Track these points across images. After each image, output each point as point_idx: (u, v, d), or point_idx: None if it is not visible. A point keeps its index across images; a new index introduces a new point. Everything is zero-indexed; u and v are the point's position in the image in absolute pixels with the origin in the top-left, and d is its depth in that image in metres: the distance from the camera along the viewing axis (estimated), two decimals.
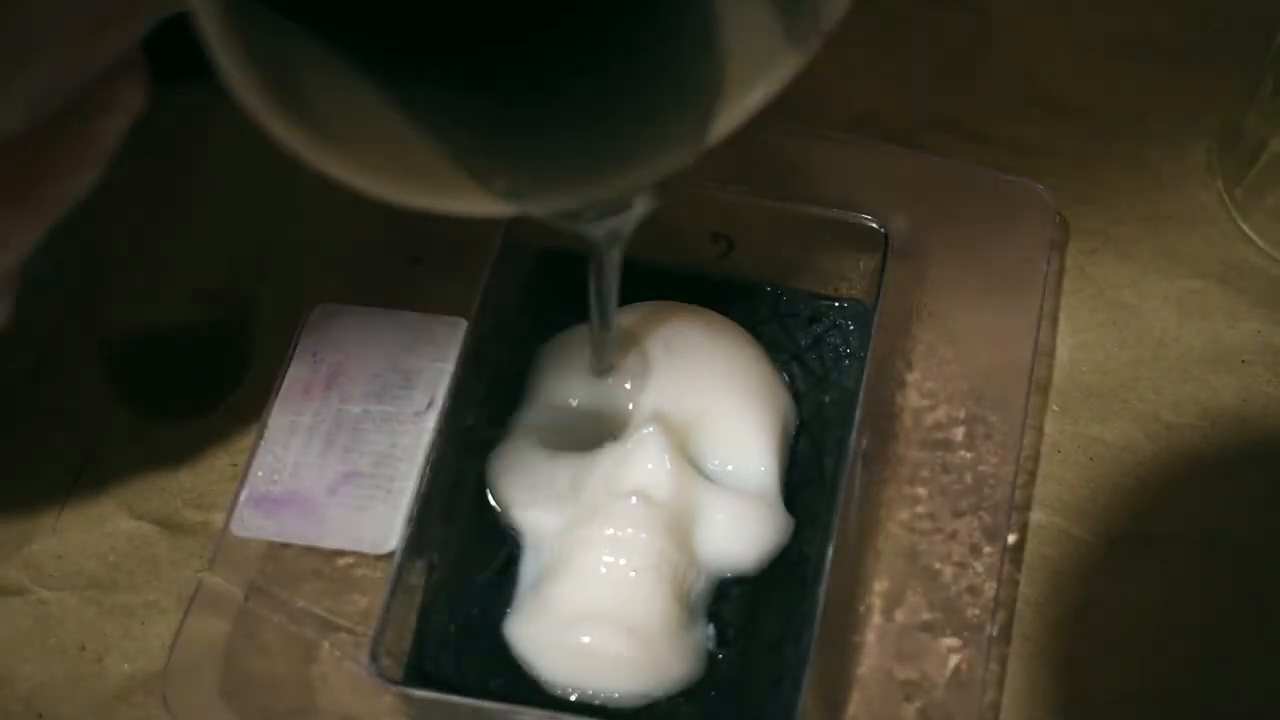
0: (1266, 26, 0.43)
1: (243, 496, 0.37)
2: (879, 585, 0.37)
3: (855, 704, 0.36)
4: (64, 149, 0.26)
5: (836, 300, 0.42)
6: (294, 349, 0.40)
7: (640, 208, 0.32)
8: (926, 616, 0.36)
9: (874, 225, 0.41)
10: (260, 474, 0.38)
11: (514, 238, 0.42)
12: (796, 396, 0.40)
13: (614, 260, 0.34)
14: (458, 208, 0.27)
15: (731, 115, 0.27)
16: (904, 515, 0.38)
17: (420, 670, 0.36)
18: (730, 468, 0.38)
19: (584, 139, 0.29)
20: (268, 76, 0.23)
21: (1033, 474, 0.40)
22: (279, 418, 0.39)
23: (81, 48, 0.24)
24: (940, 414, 0.40)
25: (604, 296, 0.35)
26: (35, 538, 0.39)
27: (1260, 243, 0.44)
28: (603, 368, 0.39)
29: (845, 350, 0.41)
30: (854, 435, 0.38)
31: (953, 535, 0.38)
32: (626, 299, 0.37)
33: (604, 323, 0.36)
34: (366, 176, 0.25)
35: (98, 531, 0.39)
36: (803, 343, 0.41)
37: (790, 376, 0.41)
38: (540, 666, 0.36)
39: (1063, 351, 0.42)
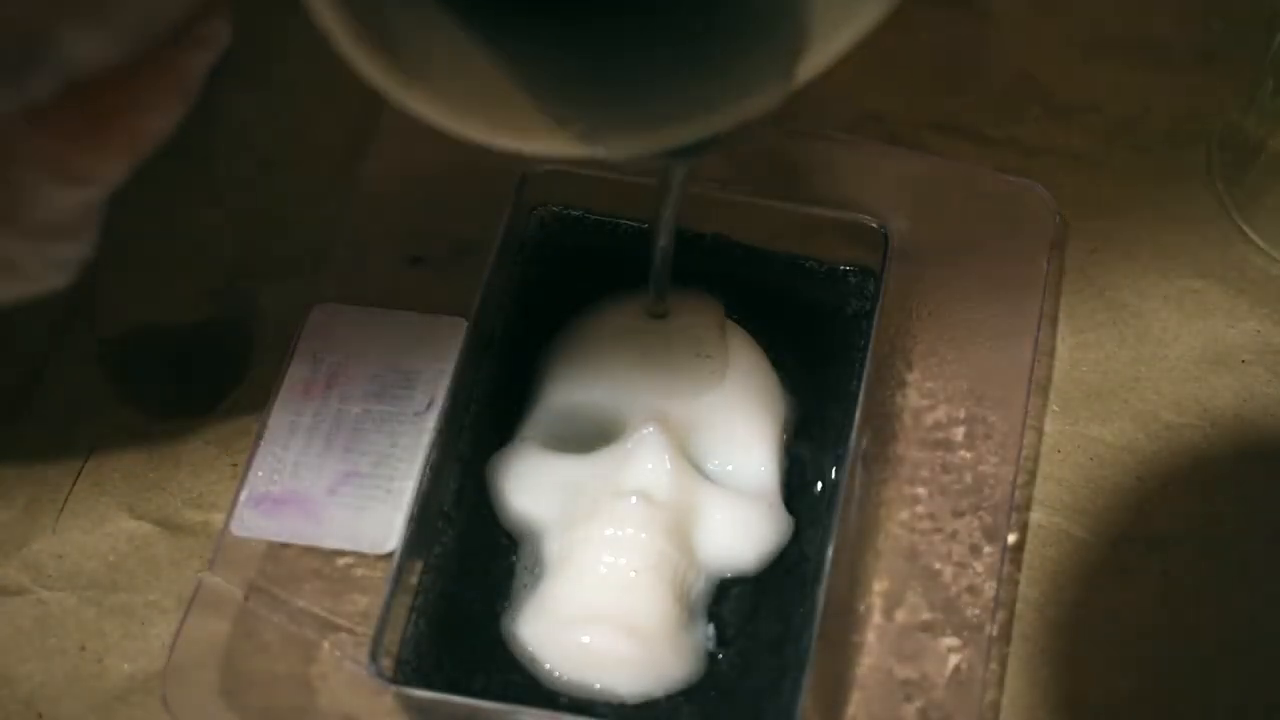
0: (1266, 26, 0.43)
1: (243, 496, 0.37)
2: (879, 585, 0.37)
3: (855, 704, 0.36)
4: (151, 84, 0.26)
5: (836, 299, 0.42)
6: (294, 349, 0.40)
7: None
8: (926, 616, 0.36)
9: (874, 225, 0.41)
10: (260, 474, 0.38)
11: (514, 238, 0.42)
12: (796, 396, 0.40)
13: (679, 181, 0.33)
14: (536, 148, 0.27)
15: (818, 58, 0.27)
16: (904, 515, 0.38)
17: (420, 670, 0.36)
18: (730, 468, 0.38)
19: (667, 80, 0.28)
20: (356, 11, 0.23)
21: (1033, 474, 0.40)
22: (279, 418, 0.39)
23: None
24: (940, 414, 0.40)
25: (665, 222, 0.34)
26: (35, 538, 0.39)
27: (1260, 243, 0.44)
28: (659, 310, 0.38)
29: (845, 348, 0.41)
30: (854, 435, 0.38)
31: (953, 535, 0.38)
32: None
33: (664, 253, 0.36)
34: (448, 113, 0.25)
35: (98, 531, 0.39)
36: (802, 341, 0.41)
37: (790, 376, 0.41)
38: (540, 666, 0.36)
39: (1063, 351, 0.42)
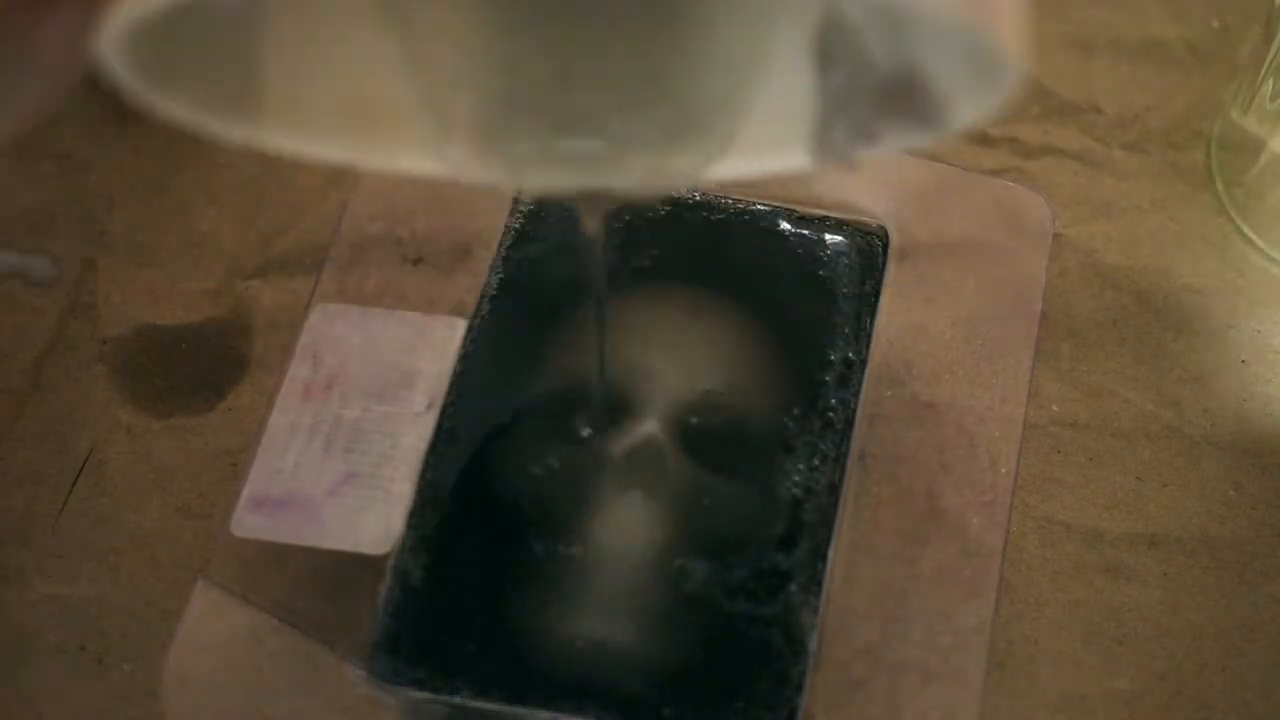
0: (1266, 26, 0.43)
1: (243, 496, 0.37)
2: (879, 585, 0.37)
3: (855, 704, 0.36)
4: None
5: (837, 299, 0.42)
6: (294, 349, 0.40)
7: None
8: (926, 616, 0.36)
9: (874, 225, 0.41)
10: (260, 474, 0.38)
11: (514, 238, 0.42)
12: (796, 394, 0.40)
13: (595, 232, 0.32)
14: (408, 164, 0.26)
15: (728, 170, 0.27)
16: (903, 515, 0.38)
17: (420, 670, 0.36)
18: (730, 463, 0.38)
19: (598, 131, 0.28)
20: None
21: (1032, 474, 0.40)
22: (279, 418, 0.39)
23: None
24: (940, 413, 0.40)
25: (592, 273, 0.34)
26: (35, 538, 0.39)
27: (1260, 243, 0.44)
28: (597, 418, 0.38)
29: (845, 348, 0.41)
30: (855, 434, 0.38)
31: (952, 535, 0.38)
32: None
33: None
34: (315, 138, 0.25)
35: (98, 531, 0.39)
36: (802, 340, 0.41)
37: (790, 373, 0.41)
38: (541, 665, 0.36)
39: (1063, 351, 0.42)
